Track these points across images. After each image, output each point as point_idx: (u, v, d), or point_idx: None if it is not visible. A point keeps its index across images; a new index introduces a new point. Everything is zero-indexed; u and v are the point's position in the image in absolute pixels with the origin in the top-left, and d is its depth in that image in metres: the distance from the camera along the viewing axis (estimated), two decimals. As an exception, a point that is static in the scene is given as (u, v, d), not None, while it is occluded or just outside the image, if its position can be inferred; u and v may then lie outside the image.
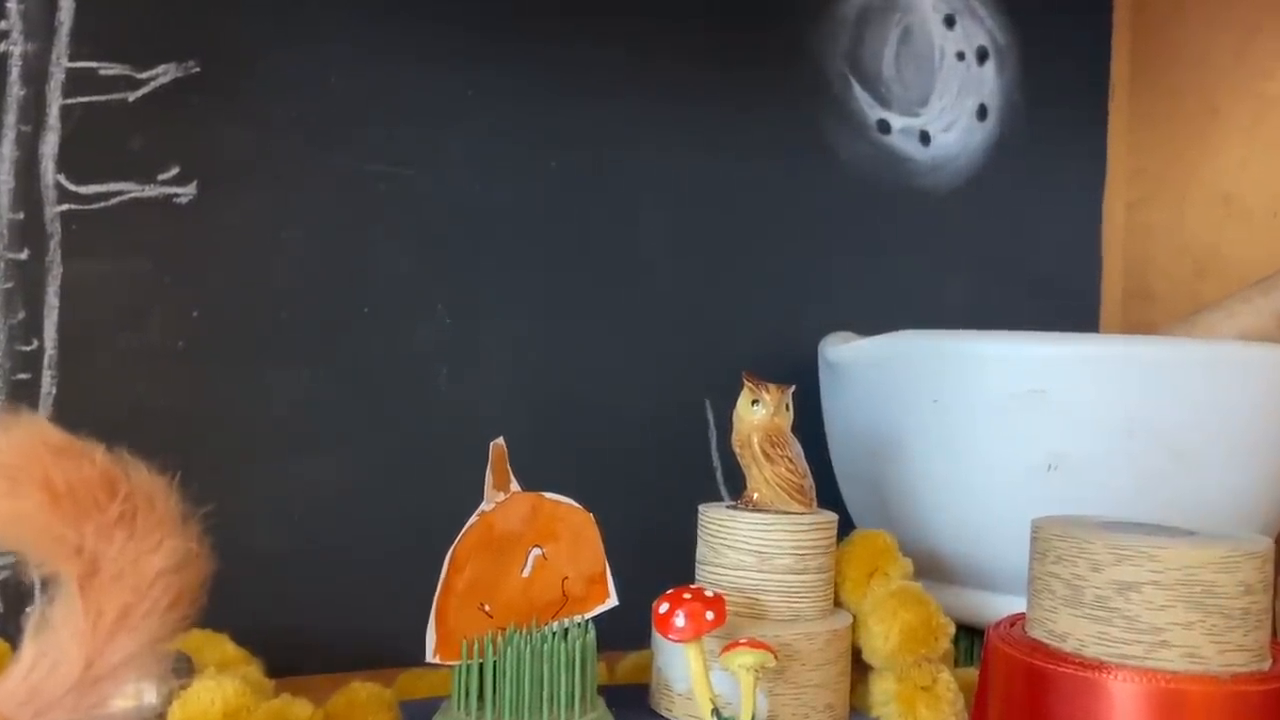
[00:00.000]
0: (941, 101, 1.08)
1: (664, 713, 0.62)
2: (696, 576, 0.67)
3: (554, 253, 0.89)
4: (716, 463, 0.97)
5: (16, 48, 0.74)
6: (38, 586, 0.76)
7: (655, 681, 0.64)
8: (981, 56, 1.09)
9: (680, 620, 0.55)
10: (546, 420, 0.90)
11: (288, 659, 0.69)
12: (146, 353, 0.78)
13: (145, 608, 0.38)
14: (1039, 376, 0.71)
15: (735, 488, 0.97)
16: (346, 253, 0.83)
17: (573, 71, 0.90)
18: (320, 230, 0.82)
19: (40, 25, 0.75)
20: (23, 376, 0.75)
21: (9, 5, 0.74)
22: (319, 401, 0.82)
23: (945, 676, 0.63)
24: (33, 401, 0.75)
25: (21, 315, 0.75)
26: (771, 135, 0.98)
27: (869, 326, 0.96)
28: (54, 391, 0.76)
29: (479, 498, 0.87)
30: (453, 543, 0.60)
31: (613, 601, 0.62)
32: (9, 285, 0.74)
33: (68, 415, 0.75)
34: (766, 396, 0.65)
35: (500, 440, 0.59)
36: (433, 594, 0.80)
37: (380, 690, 0.63)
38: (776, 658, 0.56)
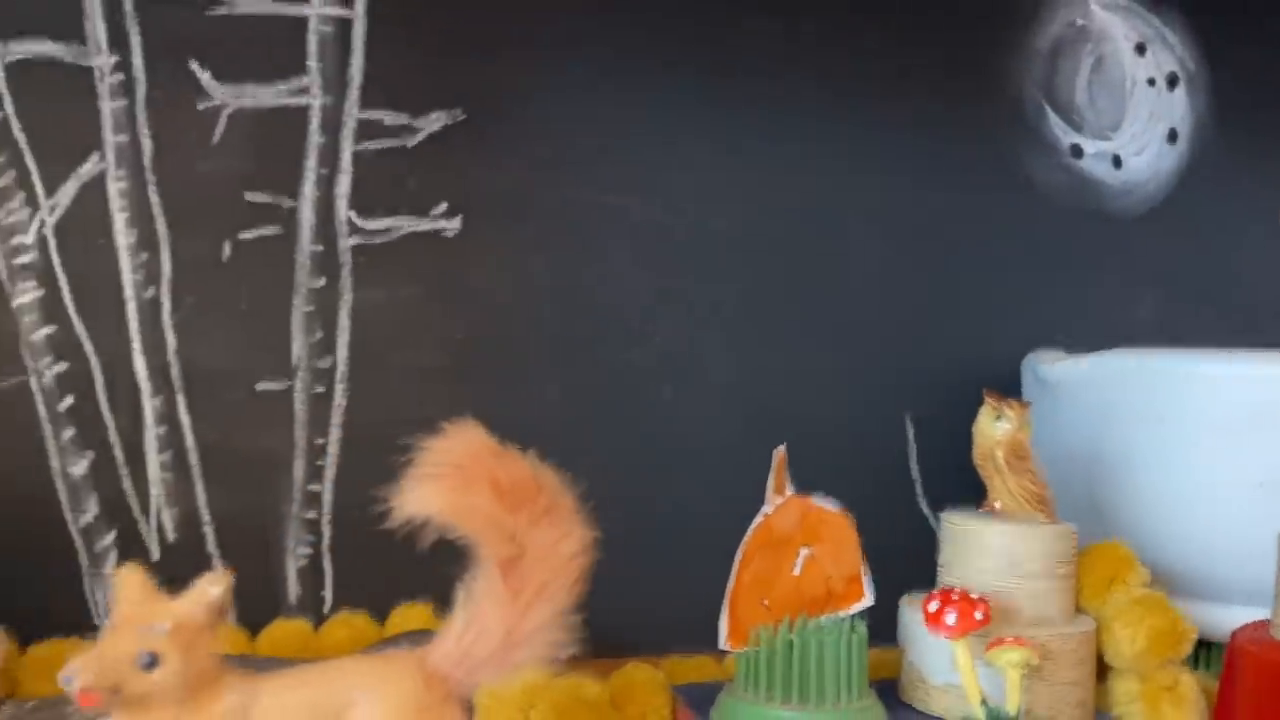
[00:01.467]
0: (1133, 127, 1.11)
1: (918, 705, 0.68)
2: (940, 579, 0.72)
3: (766, 275, 0.96)
4: (916, 474, 1.01)
5: (316, 100, 0.84)
6: (330, 572, 0.85)
7: (907, 676, 0.69)
8: (1172, 82, 1.12)
9: (951, 619, 0.61)
10: (757, 432, 0.95)
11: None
12: (419, 370, 0.87)
13: (557, 585, 0.45)
14: (1266, 395, 0.74)
15: (934, 499, 1.02)
16: (584, 278, 0.91)
17: (785, 105, 0.96)
18: (562, 258, 0.91)
19: (335, 81, 0.85)
20: (319, 390, 0.85)
21: (310, 64, 0.84)
22: (562, 413, 0.90)
23: (1187, 678, 0.67)
24: (326, 413, 0.85)
25: (319, 336, 0.85)
26: (970, 160, 1.02)
27: (1066, 345, 1.00)
28: (344, 403, 0.85)
29: (701, 499, 0.94)
30: (717, 542, 0.67)
31: (869, 600, 0.68)
32: (309, 309, 0.85)
33: (355, 425, 0.85)
34: (1010, 412, 0.70)
35: (782, 447, 0.66)
36: (665, 588, 0.87)
37: (655, 673, 0.70)
38: (1041, 655, 0.61)
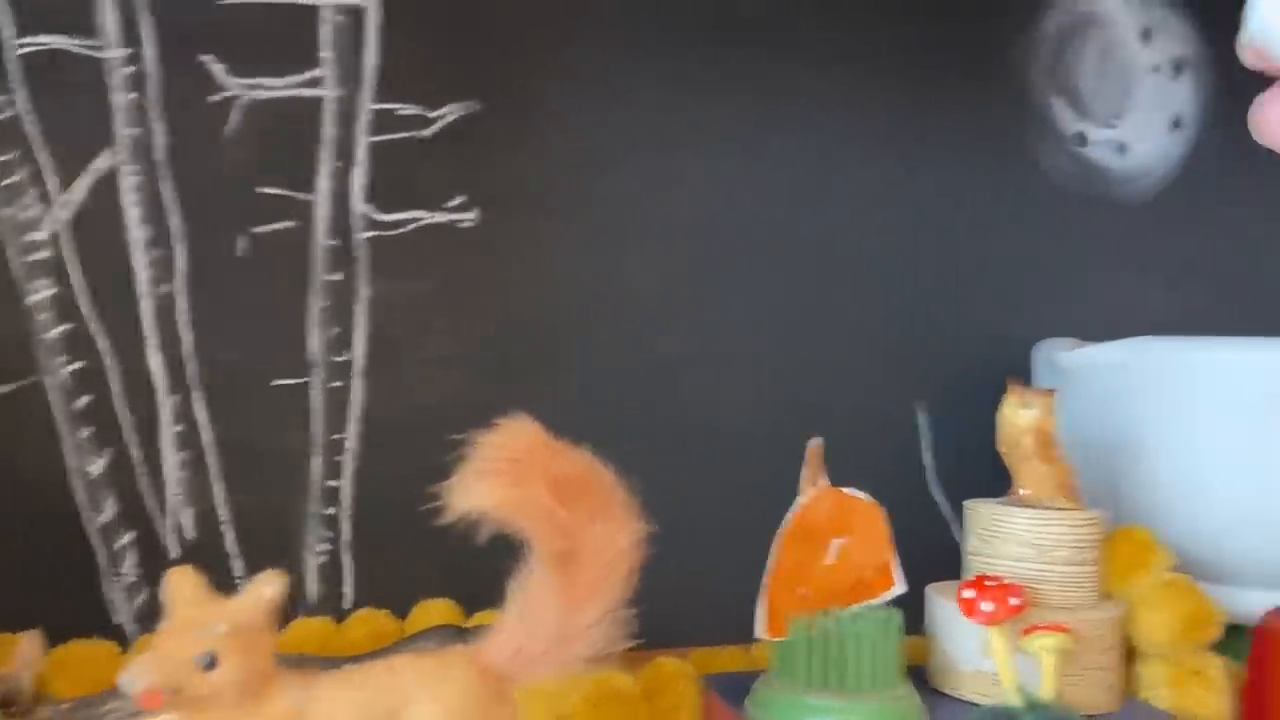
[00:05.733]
0: (1138, 113, 1.11)
1: (949, 691, 0.68)
2: (967, 567, 0.72)
3: (780, 267, 0.96)
4: (928, 462, 1.01)
5: (330, 93, 0.84)
6: (350, 569, 0.85)
7: (937, 662, 0.70)
8: (1176, 69, 1.12)
9: (986, 605, 0.61)
10: (773, 422, 0.95)
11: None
12: (435, 362, 0.86)
13: (610, 579, 0.45)
14: (1287, 381, 0.75)
15: (945, 486, 1.02)
16: (603, 269, 0.91)
17: (797, 96, 0.96)
18: (579, 250, 0.90)
19: (349, 72, 0.84)
20: (337, 384, 0.84)
21: (323, 55, 0.83)
22: (580, 405, 0.89)
23: (1215, 661, 0.67)
24: (343, 406, 0.85)
25: (336, 330, 0.84)
26: (977, 148, 1.02)
27: (1072, 331, 1.00)
28: (362, 397, 0.85)
29: (721, 491, 0.94)
30: (756, 533, 0.67)
31: (899, 588, 0.68)
32: (326, 304, 0.84)
33: (373, 419, 0.85)
34: (1037, 401, 0.70)
35: (817, 440, 0.66)
36: (689, 579, 0.87)
37: (684, 665, 0.70)
38: (1074, 640, 0.61)
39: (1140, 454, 0.82)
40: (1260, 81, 1.13)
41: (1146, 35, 1.11)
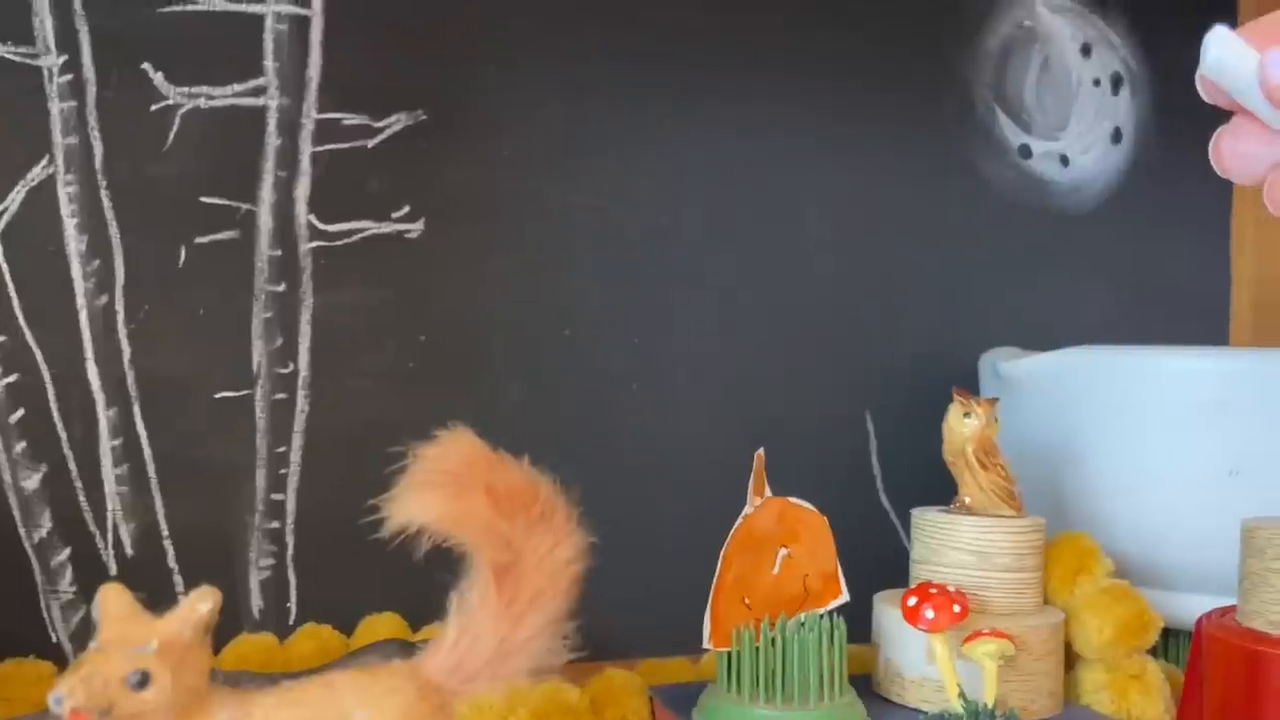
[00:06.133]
0: (1079, 126, 1.13)
1: (894, 698, 0.69)
2: (913, 575, 0.73)
3: (727, 276, 0.96)
4: (876, 470, 1.03)
5: (273, 102, 0.83)
6: (294, 584, 0.84)
7: (882, 670, 0.70)
8: (1116, 83, 1.15)
9: (930, 613, 0.61)
10: (721, 430, 0.96)
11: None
12: (382, 374, 0.86)
13: (552, 592, 0.45)
14: (1222, 389, 0.77)
15: (894, 495, 1.03)
16: (550, 280, 0.91)
17: (741, 108, 0.96)
18: (528, 259, 0.90)
19: (293, 82, 0.83)
20: (280, 396, 0.83)
21: (266, 63, 0.83)
22: (528, 417, 0.89)
23: (1153, 665, 0.69)
24: (288, 419, 0.84)
25: (279, 342, 0.83)
26: (924, 161, 1.04)
27: (1017, 341, 1.02)
28: (306, 409, 0.84)
29: (669, 503, 0.94)
30: (698, 543, 0.67)
31: (845, 598, 0.69)
32: (269, 315, 0.83)
33: (318, 431, 0.84)
34: (978, 409, 0.71)
35: (761, 450, 0.66)
36: (635, 590, 0.87)
37: (632, 676, 0.70)
38: (1016, 646, 0.62)
39: (1081, 461, 0.83)
40: (1197, 94, 1.17)
41: (1086, 50, 1.13)
